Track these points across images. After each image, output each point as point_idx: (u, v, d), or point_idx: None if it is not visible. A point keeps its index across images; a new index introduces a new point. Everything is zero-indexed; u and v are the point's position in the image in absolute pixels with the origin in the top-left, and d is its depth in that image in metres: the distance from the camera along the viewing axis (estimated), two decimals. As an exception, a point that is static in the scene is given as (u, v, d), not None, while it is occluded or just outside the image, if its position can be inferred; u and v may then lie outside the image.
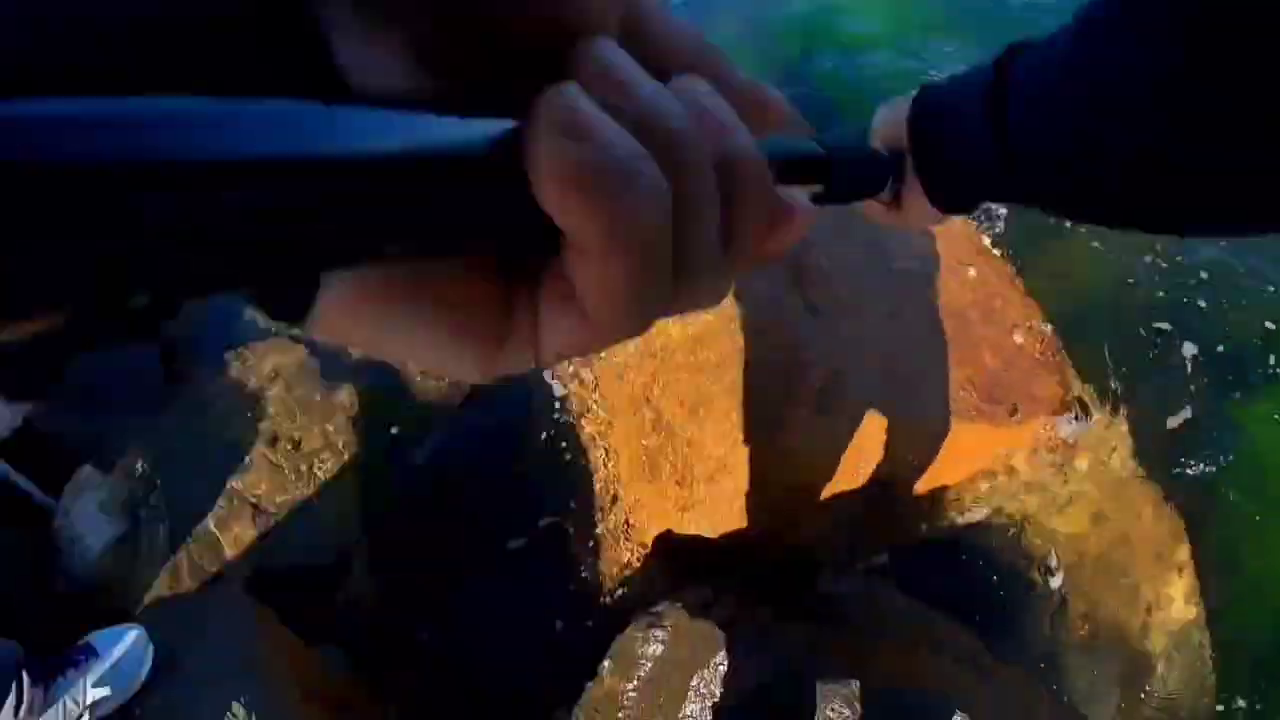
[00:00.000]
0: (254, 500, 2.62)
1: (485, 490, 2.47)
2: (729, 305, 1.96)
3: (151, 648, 1.70)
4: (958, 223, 2.39)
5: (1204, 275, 2.49)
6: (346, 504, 2.52)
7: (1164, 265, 2.53)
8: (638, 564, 2.08)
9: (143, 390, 3.44)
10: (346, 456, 2.64)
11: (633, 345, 2.16)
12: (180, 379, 3.40)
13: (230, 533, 2.55)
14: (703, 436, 1.88)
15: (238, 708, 1.59)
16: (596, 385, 2.32)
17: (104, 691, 1.62)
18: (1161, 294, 2.48)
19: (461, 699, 2.17)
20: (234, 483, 2.69)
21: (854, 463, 1.86)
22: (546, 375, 2.56)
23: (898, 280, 2.12)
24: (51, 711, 1.59)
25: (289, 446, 2.74)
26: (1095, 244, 2.62)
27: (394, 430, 2.70)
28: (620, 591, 2.13)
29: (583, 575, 2.20)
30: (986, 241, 2.50)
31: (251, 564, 2.45)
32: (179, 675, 1.70)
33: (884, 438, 1.87)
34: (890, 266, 2.14)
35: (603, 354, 2.31)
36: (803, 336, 1.90)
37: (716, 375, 1.90)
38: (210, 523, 2.61)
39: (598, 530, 2.17)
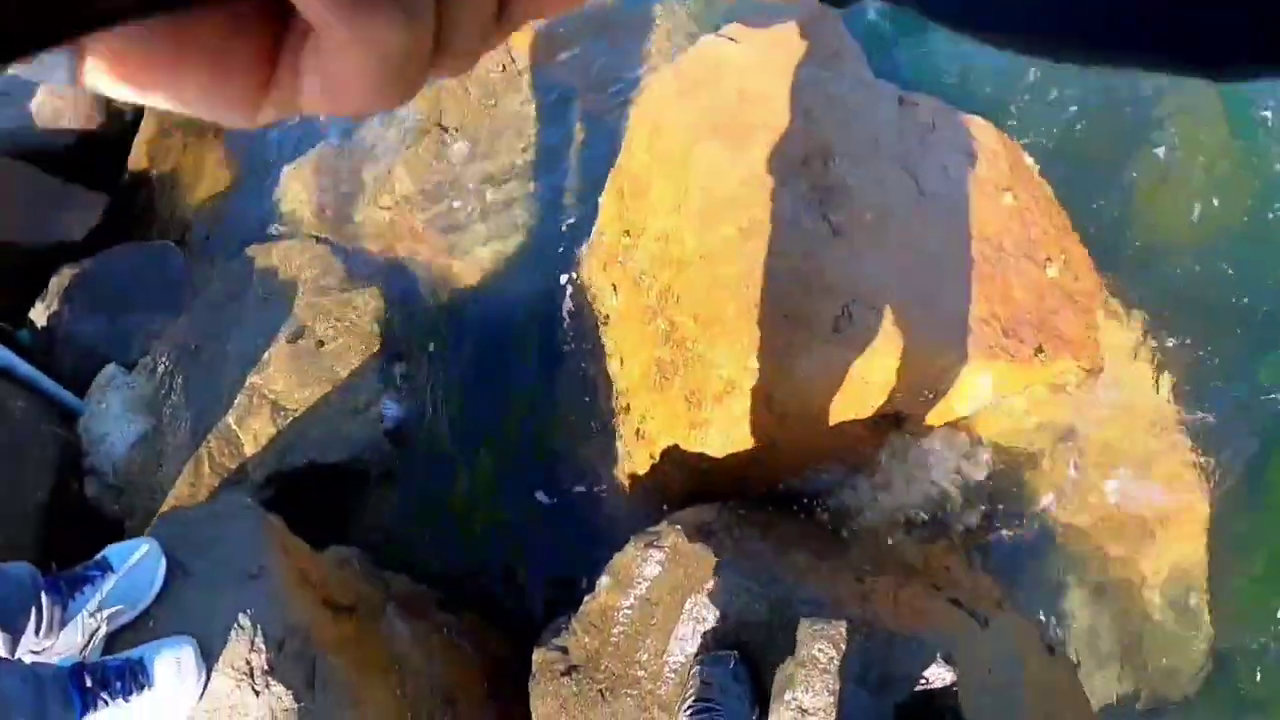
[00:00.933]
0: (273, 397, 2.63)
1: (504, 394, 2.48)
2: (749, 220, 1.90)
3: (164, 560, 1.74)
4: (998, 143, 2.28)
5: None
6: (366, 404, 2.52)
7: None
8: (644, 474, 2.07)
9: (167, 285, 3.47)
10: (367, 357, 2.64)
11: (651, 253, 2.12)
12: (201, 273, 3.42)
13: (249, 430, 2.58)
14: (714, 354, 1.85)
15: (244, 615, 1.61)
16: (616, 290, 2.29)
17: (119, 605, 1.66)
18: (1222, 243, 2.38)
19: (465, 602, 2.20)
20: (254, 379, 2.71)
21: (865, 392, 1.82)
22: (568, 276, 2.55)
23: (929, 203, 2.03)
24: (71, 626, 1.64)
25: (311, 345, 2.74)
26: (1157, 179, 2.52)
27: (420, 323, 2.69)
28: (628, 502, 2.14)
29: (595, 484, 2.22)
30: (1031, 163, 2.39)
31: (270, 462, 2.48)
32: (190, 584, 1.73)
33: (898, 368, 1.81)
34: (921, 188, 2.05)
35: (621, 261, 2.27)
36: (822, 259, 1.84)
37: (733, 292, 1.85)
38: (230, 419, 2.63)
39: (612, 439, 2.19)
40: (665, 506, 1.99)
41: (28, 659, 1.59)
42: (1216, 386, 2.18)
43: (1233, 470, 2.06)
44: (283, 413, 2.58)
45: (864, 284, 1.83)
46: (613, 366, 2.27)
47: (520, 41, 3.48)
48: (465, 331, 2.66)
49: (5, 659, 1.53)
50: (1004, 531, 2.00)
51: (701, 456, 1.89)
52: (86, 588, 1.68)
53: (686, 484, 2.00)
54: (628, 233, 2.26)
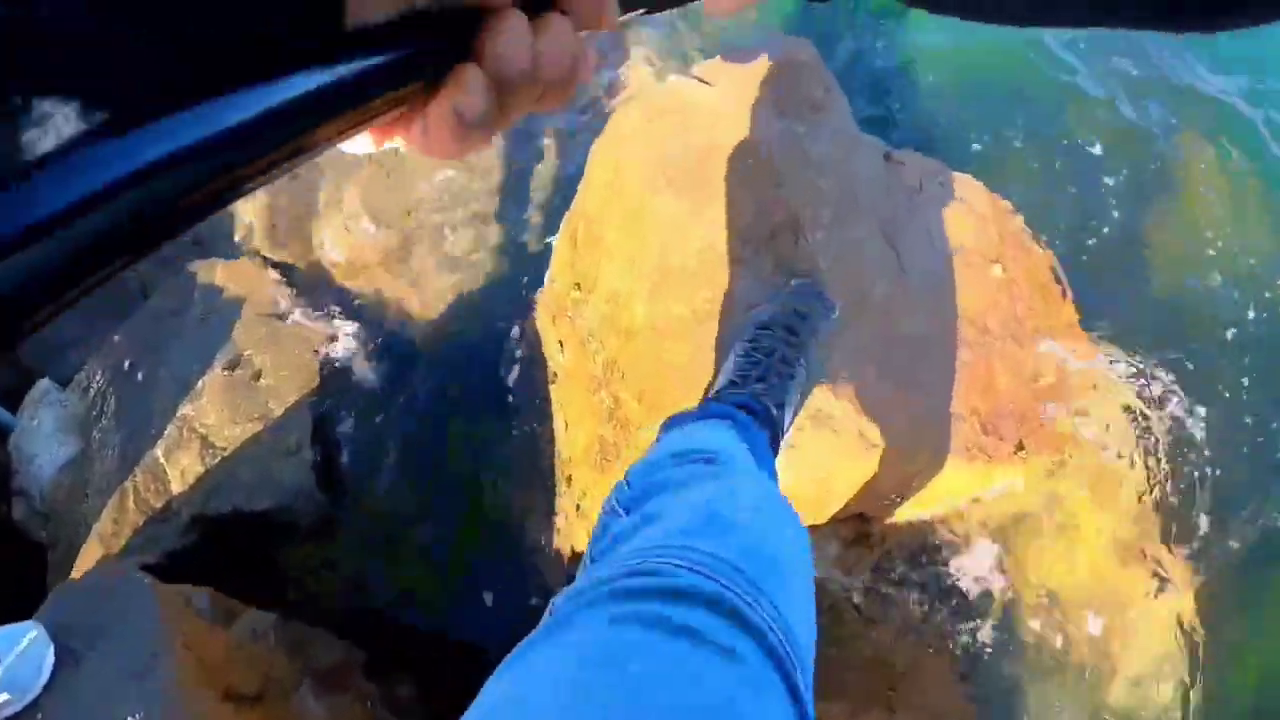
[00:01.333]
0: (203, 431, 2.47)
1: (445, 446, 2.33)
2: (704, 299, 1.75)
3: (52, 647, 1.59)
4: (988, 206, 2.12)
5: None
6: (299, 447, 2.37)
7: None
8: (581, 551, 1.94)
9: (105, 294, 3.28)
10: (304, 393, 2.47)
11: (600, 313, 1.97)
12: (147, 285, 3.24)
13: (177, 465, 2.42)
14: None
15: (133, 718, 1.47)
16: (563, 348, 2.13)
17: (4, 694, 1.52)
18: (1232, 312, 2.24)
19: (395, 667, 2.07)
20: (185, 409, 2.54)
21: (826, 495, 1.67)
22: (520, 323, 2.39)
23: (910, 280, 1.87)
24: None
25: (248, 376, 2.58)
26: (1160, 239, 2.39)
27: (365, 361, 2.53)
28: (564, 576, 2.01)
29: (534, 553, 2.09)
30: (1022, 225, 2.22)
31: (196, 502, 2.32)
32: (81, 674, 1.59)
33: (867, 464, 1.66)
34: (902, 263, 1.89)
35: (570, 316, 2.12)
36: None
37: (682, 375, 1.72)
38: (159, 452, 2.47)
39: (553, 508, 2.07)
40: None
41: None
42: (1209, 470, 2.04)
43: (1225, 586, 1.93)
44: (211, 450, 2.42)
45: (833, 377, 1.67)
46: (558, 430, 2.13)
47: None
48: (411, 372, 2.52)
49: None
50: (965, 638, 1.86)
51: None
52: None
53: None
54: (578, 285, 2.10)
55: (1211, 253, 2.43)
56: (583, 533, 1.91)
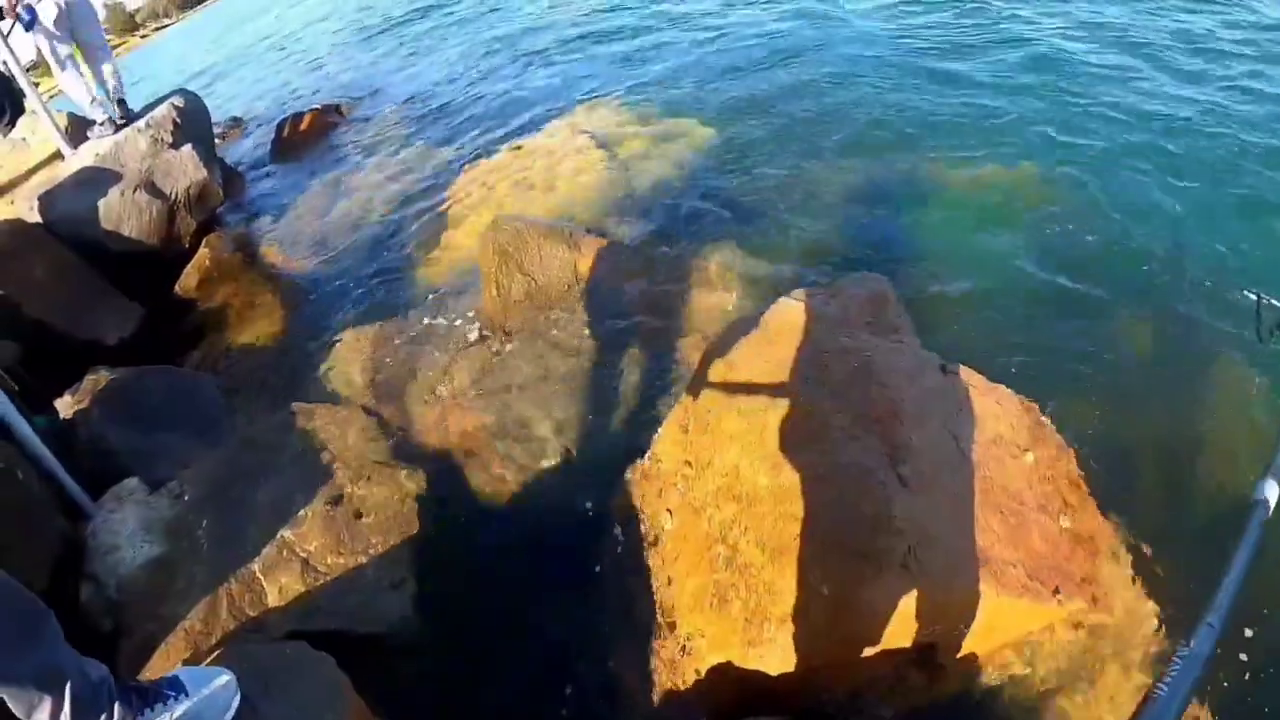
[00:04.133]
0: (305, 554, 2.63)
1: (541, 595, 2.52)
2: (824, 468, 2.08)
3: (239, 697, 1.72)
4: (1020, 408, 2.53)
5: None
6: (402, 582, 2.53)
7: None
8: (686, 689, 2.10)
9: (202, 418, 3.51)
10: (406, 536, 2.68)
11: (716, 485, 2.27)
12: (240, 414, 3.46)
13: (276, 582, 2.57)
14: (781, 581, 1.97)
15: None
16: (671, 515, 2.39)
17: None
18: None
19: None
20: (285, 533, 2.73)
21: (915, 622, 1.94)
22: (615, 496, 2.66)
23: (967, 461, 2.24)
24: None
25: (349, 513, 2.77)
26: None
27: (460, 519, 2.75)
28: (661, 713, 2.15)
29: (624, 697, 2.21)
30: (1048, 423, 2.59)
31: (293, 619, 2.44)
32: None
33: (946, 603, 1.96)
34: (961, 448, 2.27)
35: (680, 489, 2.41)
36: (894, 506, 2.01)
37: (805, 528, 2.00)
38: (255, 566, 2.62)
39: (648, 655, 2.20)
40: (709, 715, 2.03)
41: None
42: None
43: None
44: (314, 573, 2.58)
45: (926, 529, 2.00)
46: (656, 586, 2.32)
47: (584, 262, 3.79)
48: (504, 529, 2.75)
49: None
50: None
51: (756, 674, 1.96)
52: (158, 705, 1.66)
53: (733, 700, 2.05)
54: (689, 463, 2.41)
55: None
56: (691, 672, 2.09)
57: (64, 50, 5.73)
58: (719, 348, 2.59)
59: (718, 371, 2.51)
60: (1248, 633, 2.16)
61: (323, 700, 1.76)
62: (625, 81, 6.68)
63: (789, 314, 2.53)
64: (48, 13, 5.45)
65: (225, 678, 1.75)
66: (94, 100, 5.90)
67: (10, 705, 1.45)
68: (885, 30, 6.85)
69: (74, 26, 5.53)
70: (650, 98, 6.10)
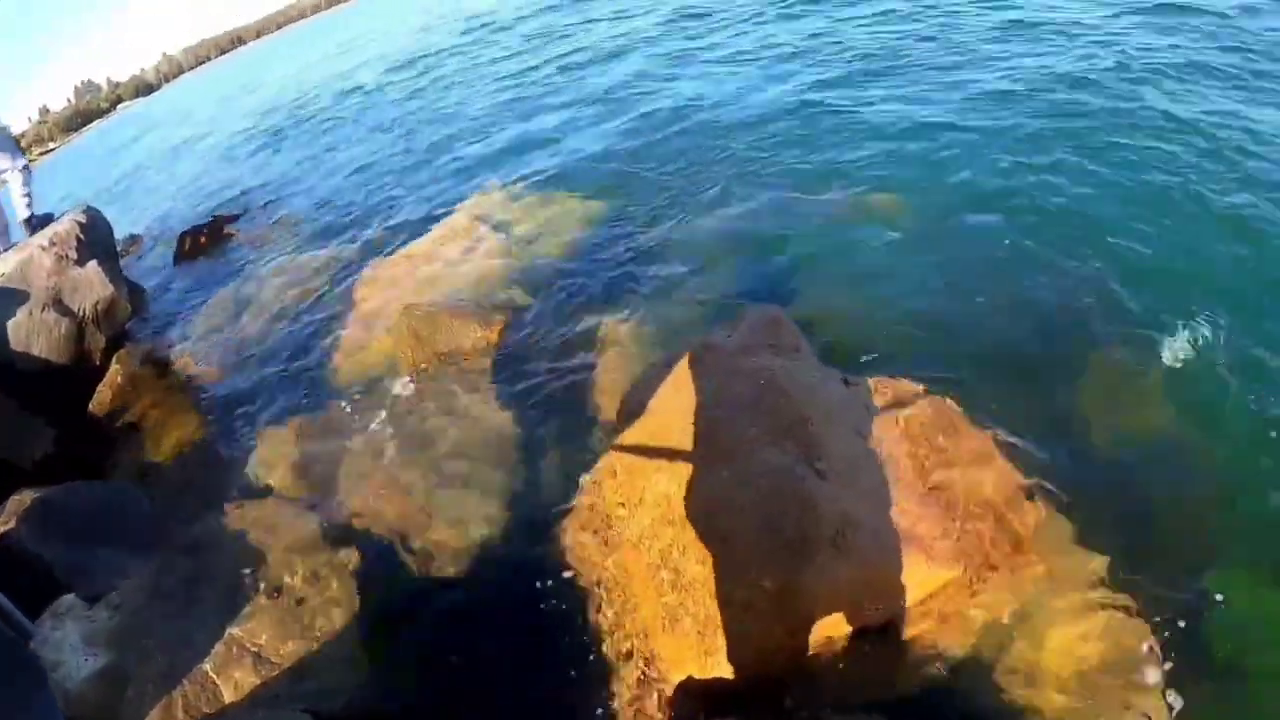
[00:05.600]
0: (255, 648, 2.67)
1: (495, 647, 2.55)
2: (748, 472, 2.28)
3: None
4: (924, 399, 2.76)
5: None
6: (355, 661, 2.59)
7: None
8: (656, 710, 2.18)
9: (132, 528, 3.49)
10: (352, 610, 2.75)
11: (652, 517, 2.43)
12: (170, 521, 3.47)
13: (230, 678, 2.59)
14: (726, 587, 2.14)
15: None
16: (610, 552, 2.53)
17: None
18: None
19: None
20: (233, 629, 2.76)
21: (856, 602, 2.13)
22: (550, 545, 2.74)
23: (876, 453, 2.48)
24: None
25: (292, 602, 2.83)
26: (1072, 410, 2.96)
27: (403, 587, 2.80)
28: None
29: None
30: (954, 406, 2.78)
31: (255, 710, 2.47)
32: None
33: (874, 579, 2.15)
34: (869, 444, 2.51)
35: (616, 529, 2.56)
36: (816, 496, 2.20)
37: (738, 530, 2.19)
38: (207, 667, 2.65)
39: (612, 685, 2.28)
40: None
41: None
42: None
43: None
44: (266, 664, 2.61)
45: (849, 514, 2.19)
46: (607, 621, 2.42)
47: (495, 336, 4.01)
48: (448, 591, 2.79)
49: None
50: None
51: (717, 681, 2.10)
52: None
53: (700, 710, 2.15)
54: (623, 504, 2.58)
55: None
56: (654, 696, 2.18)
57: None
58: (635, 394, 2.82)
59: (636, 416, 2.72)
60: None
61: None
62: (514, 165, 7.01)
63: (694, 353, 2.77)
64: None
65: None
66: (6, 227, 5.87)
67: None
68: (760, 78, 7.47)
69: None
70: (539, 178, 6.41)
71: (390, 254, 5.72)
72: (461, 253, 5.24)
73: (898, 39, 7.61)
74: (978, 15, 7.71)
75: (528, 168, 6.81)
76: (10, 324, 4.61)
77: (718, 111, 6.84)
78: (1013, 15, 7.44)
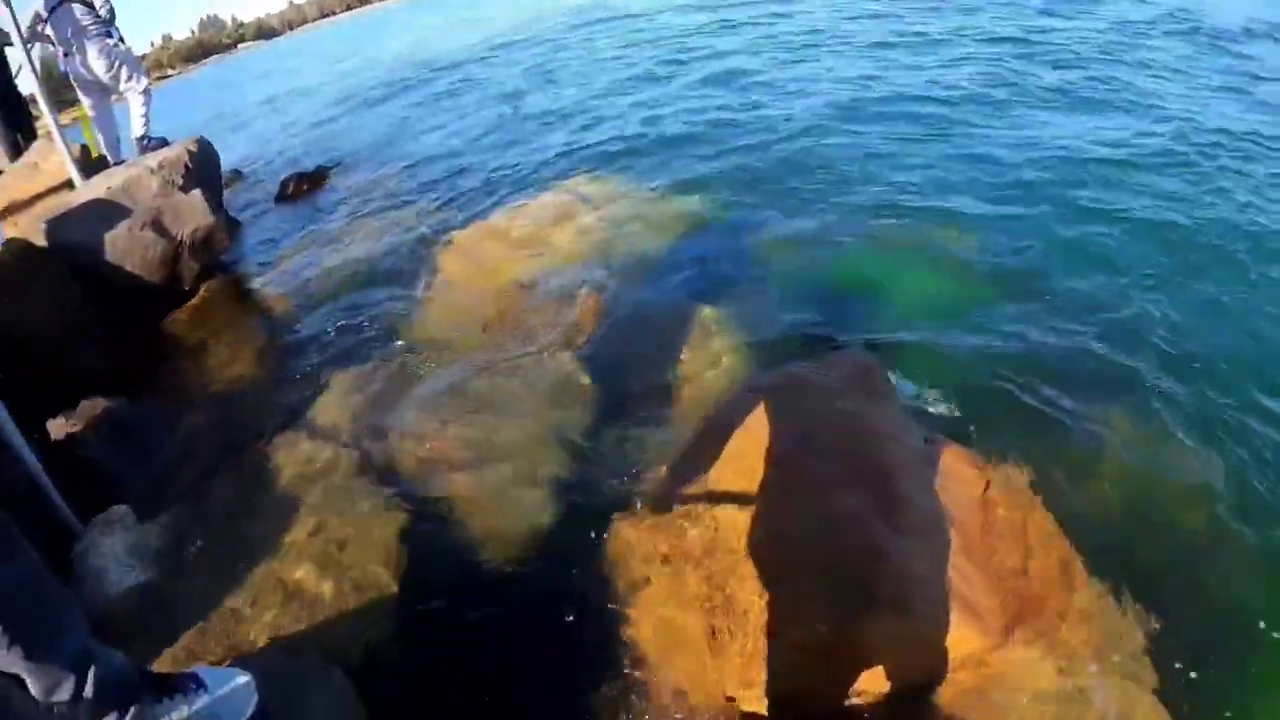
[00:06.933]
0: (291, 586, 2.69)
1: (527, 629, 2.52)
2: (820, 513, 2.23)
3: (255, 699, 1.77)
4: (991, 471, 2.74)
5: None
6: (388, 612, 2.58)
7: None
8: None
9: (190, 452, 3.56)
10: (392, 564, 2.73)
11: (709, 536, 2.39)
12: (225, 449, 3.53)
13: (263, 612, 2.61)
14: (777, 623, 2.08)
15: None
16: (665, 563, 2.48)
17: None
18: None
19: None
20: (272, 563, 2.78)
21: (899, 659, 2.05)
22: (602, 539, 2.70)
23: (948, 517, 2.40)
24: None
25: (333, 545, 2.84)
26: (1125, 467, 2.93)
27: (441, 551, 2.80)
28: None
29: None
30: (1024, 483, 2.77)
31: (277, 648, 2.48)
32: None
33: (927, 640, 2.09)
34: (942, 503, 2.43)
35: (675, 538, 2.52)
36: (887, 549, 2.14)
37: (804, 570, 2.14)
38: (242, 597, 2.67)
39: (640, 696, 2.23)
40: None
41: None
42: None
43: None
44: (299, 603, 2.63)
45: (914, 572, 2.13)
46: (647, 630, 2.36)
47: (581, 318, 3.99)
48: (489, 562, 2.76)
49: None
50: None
51: (749, 712, 2.05)
52: (178, 696, 1.69)
53: None
54: (685, 515, 2.53)
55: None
56: (684, 711, 2.12)
57: (96, 88, 5.95)
58: (713, 406, 2.80)
59: (713, 429, 2.68)
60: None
61: (334, 711, 1.82)
62: (614, 153, 7.04)
63: (789, 380, 2.75)
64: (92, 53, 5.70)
65: (244, 679, 1.78)
66: (119, 141, 6.09)
67: (32, 683, 1.47)
68: (873, 98, 7.46)
69: (110, 63, 5.76)
70: (637, 169, 6.44)
71: (479, 222, 5.78)
72: (551, 231, 5.28)
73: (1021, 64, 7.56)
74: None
75: (627, 157, 6.87)
76: (108, 236, 4.75)
77: (831, 123, 6.87)
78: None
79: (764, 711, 2.04)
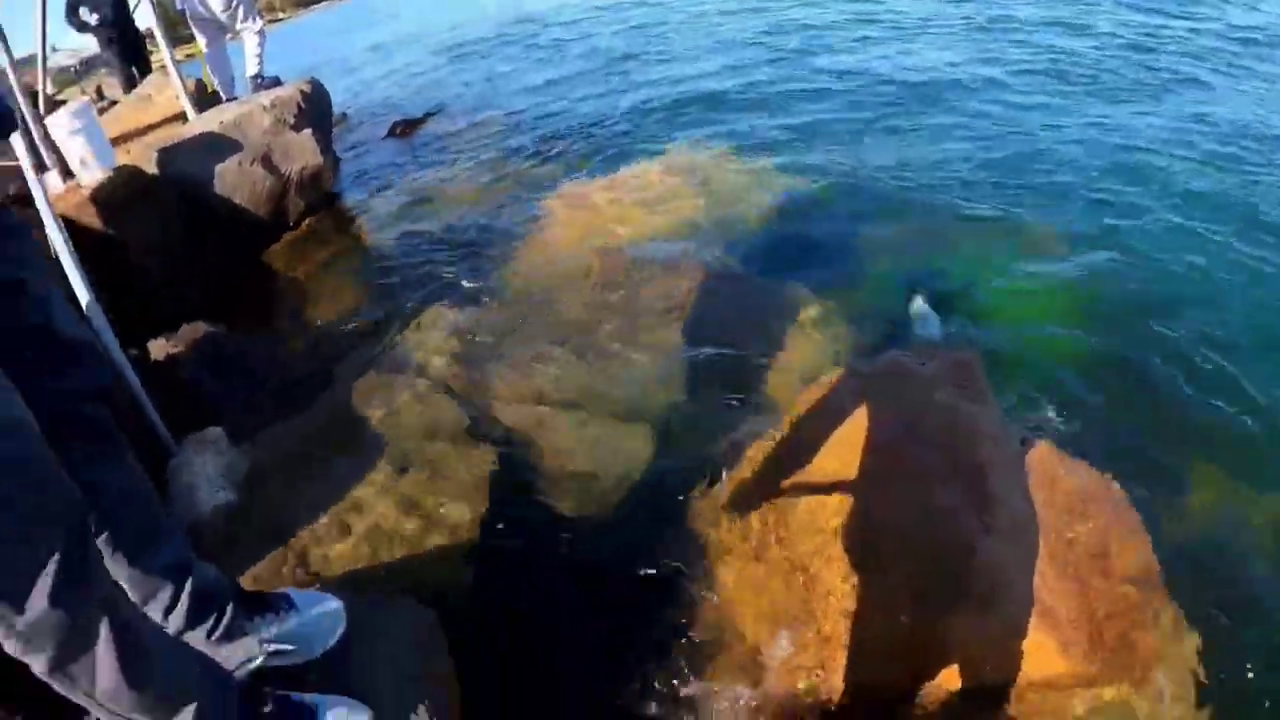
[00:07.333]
0: (374, 520, 2.72)
1: (606, 586, 2.51)
2: (915, 506, 2.18)
3: (344, 626, 1.78)
4: (1088, 475, 2.57)
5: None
6: (467, 557, 2.59)
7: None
8: (749, 702, 2.10)
9: (286, 382, 3.65)
10: (476, 511, 2.75)
11: (800, 514, 2.33)
12: (317, 382, 3.60)
13: (344, 544, 2.65)
14: (861, 608, 2.04)
15: (414, 715, 1.67)
16: (752, 535, 2.43)
17: (289, 645, 1.69)
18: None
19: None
20: (356, 496, 2.82)
21: (976, 659, 2.00)
22: (703, 505, 2.67)
23: (1037, 518, 2.30)
24: (237, 644, 1.65)
25: (419, 485, 2.86)
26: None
27: (523, 507, 2.79)
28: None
29: (685, 695, 2.17)
30: (1117, 489, 2.60)
31: (359, 581, 2.51)
32: (358, 657, 1.78)
33: (1006, 645, 2.02)
34: (1034, 506, 2.33)
35: (764, 512, 2.46)
36: (978, 547, 2.08)
37: (890, 560, 2.09)
38: (326, 526, 2.71)
39: (713, 662, 2.22)
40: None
41: None
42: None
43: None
44: (381, 538, 2.66)
45: (1003, 575, 2.07)
46: (728, 598, 2.34)
47: (682, 284, 3.94)
48: (573, 516, 2.76)
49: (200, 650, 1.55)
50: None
51: (820, 695, 2.02)
52: (269, 614, 1.71)
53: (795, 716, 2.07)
54: (776, 489, 2.48)
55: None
56: (753, 684, 2.11)
57: (212, 25, 6.08)
58: (822, 388, 2.71)
59: (816, 410, 2.62)
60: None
61: (418, 644, 1.84)
62: (725, 123, 6.87)
63: (892, 368, 2.68)
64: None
65: (334, 604, 1.80)
66: (233, 79, 6.23)
67: (131, 590, 1.49)
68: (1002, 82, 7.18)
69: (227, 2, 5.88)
70: (748, 141, 6.28)
71: (582, 179, 5.77)
72: (656, 195, 5.21)
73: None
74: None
75: (734, 126, 6.72)
76: (218, 169, 4.88)
77: (947, 108, 6.66)
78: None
79: (836, 695, 2.00)
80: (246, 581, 2.50)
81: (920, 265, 4.24)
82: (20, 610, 1.10)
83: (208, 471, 2.98)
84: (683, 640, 2.28)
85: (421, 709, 1.67)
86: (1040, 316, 3.80)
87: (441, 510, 2.76)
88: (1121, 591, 2.28)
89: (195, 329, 3.75)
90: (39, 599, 1.11)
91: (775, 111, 7.02)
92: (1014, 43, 8.28)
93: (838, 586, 2.09)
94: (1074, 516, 2.40)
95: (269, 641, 1.68)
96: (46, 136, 4.24)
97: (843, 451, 2.39)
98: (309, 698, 1.60)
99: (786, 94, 7.51)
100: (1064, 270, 4.14)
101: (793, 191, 5.23)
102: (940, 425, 2.40)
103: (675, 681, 2.19)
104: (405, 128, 8.16)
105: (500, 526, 2.73)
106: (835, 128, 6.42)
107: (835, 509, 2.23)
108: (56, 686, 1.22)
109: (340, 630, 1.79)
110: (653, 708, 2.15)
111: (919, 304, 3.85)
